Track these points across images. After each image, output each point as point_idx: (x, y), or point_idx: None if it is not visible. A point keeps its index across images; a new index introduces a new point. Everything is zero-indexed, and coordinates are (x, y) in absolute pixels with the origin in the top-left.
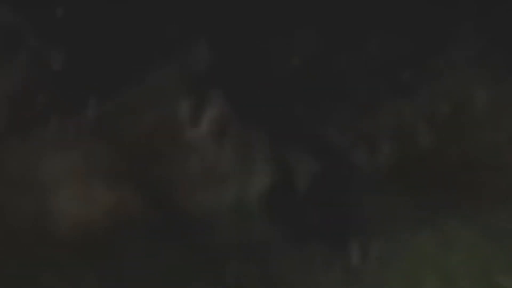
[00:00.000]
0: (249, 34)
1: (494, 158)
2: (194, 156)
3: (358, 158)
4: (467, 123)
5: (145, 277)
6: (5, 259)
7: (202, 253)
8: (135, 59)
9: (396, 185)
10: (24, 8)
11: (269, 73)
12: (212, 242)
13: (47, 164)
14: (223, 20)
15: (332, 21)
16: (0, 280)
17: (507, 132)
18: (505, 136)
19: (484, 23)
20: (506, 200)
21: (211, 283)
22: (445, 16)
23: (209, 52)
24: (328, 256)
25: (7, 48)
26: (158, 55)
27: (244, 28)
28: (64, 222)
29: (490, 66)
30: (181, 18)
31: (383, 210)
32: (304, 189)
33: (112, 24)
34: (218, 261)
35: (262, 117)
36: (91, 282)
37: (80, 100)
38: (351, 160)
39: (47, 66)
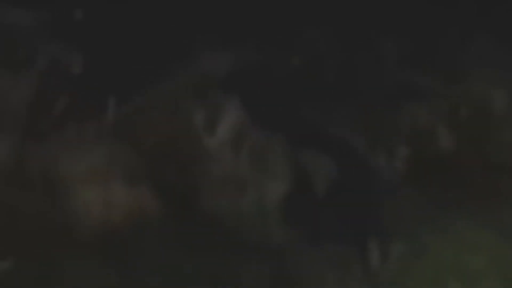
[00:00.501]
0: (263, 38)
1: None
2: (212, 161)
3: (377, 160)
4: (486, 125)
5: (162, 277)
6: (27, 259)
7: (220, 255)
8: (151, 63)
9: (414, 187)
10: (43, 12)
11: (283, 76)
12: (231, 245)
13: (68, 166)
14: (239, 24)
15: (347, 23)
16: (21, 279)
17: None
18: None
19: (503, 24)
20: None
21: (228, 284)
22: (463, 18)
23: (224, 57)
24: (346, 258)
25: (26, 51)
26: (174, 60)
27: (260, 32)
28: (84, 223)
29: (509, 67)
30: (196, 22)
31: (401, 212)
32: (322, 191)
33: (130, 28)
34: (236, 263)
35: (279, 120)
36: (110, 281)
37: (99, 103)
38: (370, 162)
39: (67, 69)
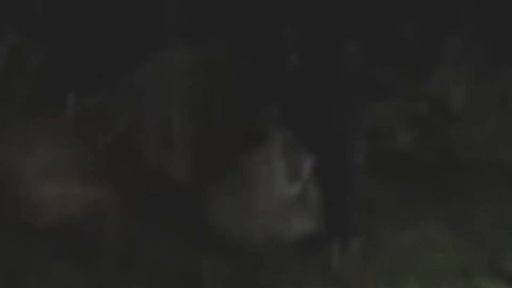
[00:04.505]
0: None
1: (474, 156)
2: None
3: (340, 156)
4: (446, 121)
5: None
6: None
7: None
8: (114, 58)
9: (376, 184)
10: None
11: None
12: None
13: (24, 161)
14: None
15: (312, 21)
16: None
17: (486, 130)
18: (485, 134)
19: (465, 21)
20: (486, 198)
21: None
22: (424, 16)
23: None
24: (308, 253)
25: None
26: (137, 55)
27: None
28: (41, 217)
29: (470, 64)
30: (160, 17)
31: (364, 208)
32: None
33: (92, 22)
34: (195, 259)
35: None
36: (68, 273)
37: (59, 100)
38: (333, 159)
39: (26, 63)
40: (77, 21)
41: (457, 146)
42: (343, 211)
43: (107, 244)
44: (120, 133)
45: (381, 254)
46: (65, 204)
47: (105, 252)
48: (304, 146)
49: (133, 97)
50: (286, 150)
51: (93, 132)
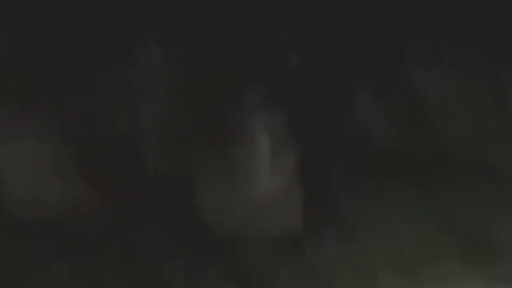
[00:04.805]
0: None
1: (472, 156)
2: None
3: (329, 154)
4: (444, 122)
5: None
6: None
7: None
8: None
9: (374, 184)
10: None
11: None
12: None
13: (24, 162)
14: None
15: (302, 25)
16: None
17: (484, 130)
18: (483, 135)
19: (464, 21)
20: (484, 198)
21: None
22: (422, 15)
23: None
24: (294, 249)
25: None
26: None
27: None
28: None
29: (468, 64)
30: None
31: (354, 204)
32: None
33: (73, 21)
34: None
35: None
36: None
37: (52, 99)
38: (323, 157)
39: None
40: (69, 20)
41: (455, 146)
42: (330, 206)
43: (107, 244)
44: (115, 132)
45: (378, 253)
46: (63, 203)
47: (105, 252)
48: (293, 141)
49: (121, 96)
50: (273, 145)
51: (88, 132)
